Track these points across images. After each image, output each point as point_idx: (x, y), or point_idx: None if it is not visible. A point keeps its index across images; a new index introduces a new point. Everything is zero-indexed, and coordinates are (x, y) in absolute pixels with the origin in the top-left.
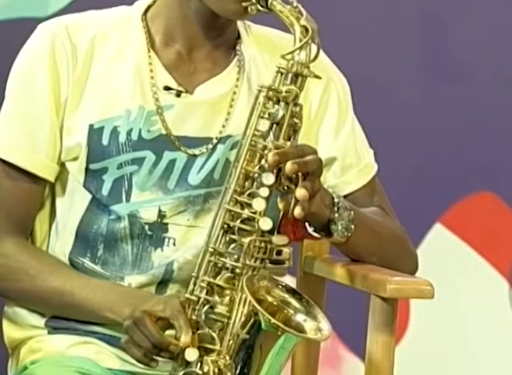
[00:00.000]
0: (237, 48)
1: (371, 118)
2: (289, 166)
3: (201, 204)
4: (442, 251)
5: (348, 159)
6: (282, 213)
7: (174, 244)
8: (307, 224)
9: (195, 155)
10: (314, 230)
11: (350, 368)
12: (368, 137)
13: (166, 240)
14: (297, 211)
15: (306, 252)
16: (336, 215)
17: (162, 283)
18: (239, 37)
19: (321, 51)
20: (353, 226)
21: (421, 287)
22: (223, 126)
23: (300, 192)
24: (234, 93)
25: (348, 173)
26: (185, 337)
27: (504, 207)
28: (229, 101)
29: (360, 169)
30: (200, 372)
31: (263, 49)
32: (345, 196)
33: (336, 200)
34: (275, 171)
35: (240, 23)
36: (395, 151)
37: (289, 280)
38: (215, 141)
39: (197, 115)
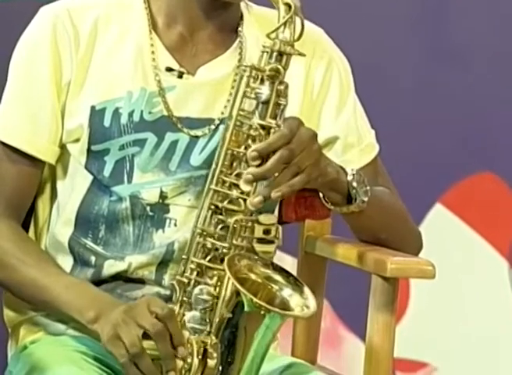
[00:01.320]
0: (239, 29)
1: (371, 100)
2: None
3: (203, 185)
4: (442, 231)
5: (350, 139)
6: None
7: (175, 225)
8: (323, 199)
9: (197, 137)
10: (332, 203)
11: (350, 348)
12: (369, 119)
13: (167, 221)
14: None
15: (307, 232)
16: (354, 183)
17: (163, 264)
18: (241, 18)
19: (323, 32)
20: (369, 188)
21: (423, 267)
22: (225, 107)
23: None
24: (236, 74)
25: (349, 153)
26: (182, 350)
27: (504, 187)
28: (230, 82)
29: (361, 149)
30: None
31: (263, 29)
32: None
33: (346, 168)
34: None
35: (242, 4)
36: (395, 132)
37: (290, 260)
38: (217, 121)
39: (198, 96)
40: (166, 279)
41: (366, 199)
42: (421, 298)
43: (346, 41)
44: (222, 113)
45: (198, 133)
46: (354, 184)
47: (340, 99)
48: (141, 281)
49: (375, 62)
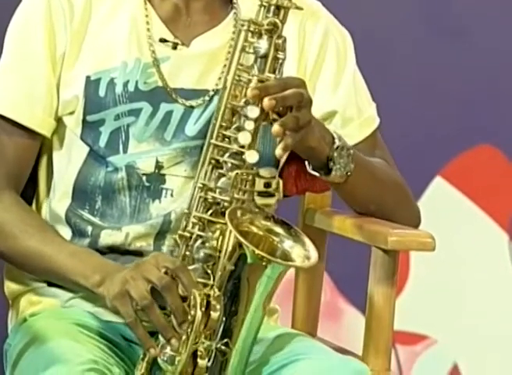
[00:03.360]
0: (234, 0)
1: (371, 72)
2: (265, 102)
3: (198, 155)
4: (442, 204)
5: (349, 112)
6: (282, 165)
7: (172, 196)
8: (306, 163)
9: (192, 107)
10: (314, 169)
11: (350, 320)
12: (369, 91)
13: (164, 191)
14: (277, 151)
15: (307, 205)
16: (335, 154)
17: (160, 235)
18: None
19: (320, 5)
20: (352, 166)
21: (423, 239)
22: (219, 78)
23: (274, 128)
24: (230, 46)
25: (349, 126)
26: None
27: (504, 160)
28: (225, 54)
29: (361, 122)
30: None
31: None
32: None
33: (336, 139)
34: (260, 104)
35: None
36: (395, 104)
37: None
38: (211, 93)
39: (193, 67)
40: (165, 250)
41: (345, 173)
42: (421, 270)
43: (348, 13)
44: (217, 85)
45: (193, 103)
46: (335, 156)
47: (337, 72)
48: (140, 253)
49: (376, 35)
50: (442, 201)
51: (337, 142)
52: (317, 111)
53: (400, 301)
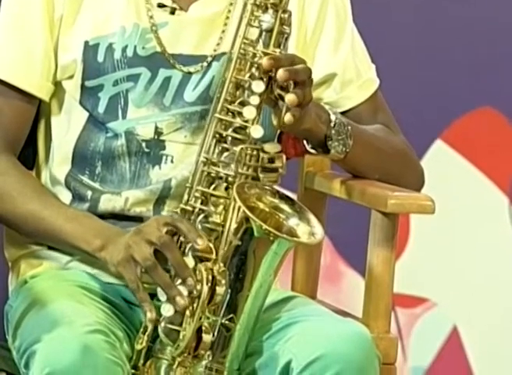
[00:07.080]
0: None
1: (370, 35)
2: (280, 73)
3: (198, 121)
4: (442, 167)
5: (348, 75)
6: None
7: (172, 162)
8: (305, 142)
9: (190, 73)
10: (313, 148)
11: (350, 283)
12: (369, 55)
13: (164, 157)
14: (287, 117)
15: (307, 168)
16: (333, 131)
17: (160, 200)
18: None
19: None
20: (350, 142)
21: (422, 202)
22: (218, 44)
23: (289, 97)
24: (229, 11)
25: (348, 89)
26: (202, 240)
27: (504, 122)
28: (223, 19)
29: (360, 85)
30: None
31: None
32: (346, 112)
33: (332, 116)
34: (265, 79)
35: None
36: (394, 68)
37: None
38: (209, 58)
39: (191, 32)
40: None
41: (344, 150)
42: (420, 233)
43: None
44: (215, 50)
45: (191, 69)
46: (333, 133)
47: (337, 35)
48: (139, 219)
49: None
50: (442, 165)
51: (333, 119)
52: (316, 74)
53: (399, 265)
